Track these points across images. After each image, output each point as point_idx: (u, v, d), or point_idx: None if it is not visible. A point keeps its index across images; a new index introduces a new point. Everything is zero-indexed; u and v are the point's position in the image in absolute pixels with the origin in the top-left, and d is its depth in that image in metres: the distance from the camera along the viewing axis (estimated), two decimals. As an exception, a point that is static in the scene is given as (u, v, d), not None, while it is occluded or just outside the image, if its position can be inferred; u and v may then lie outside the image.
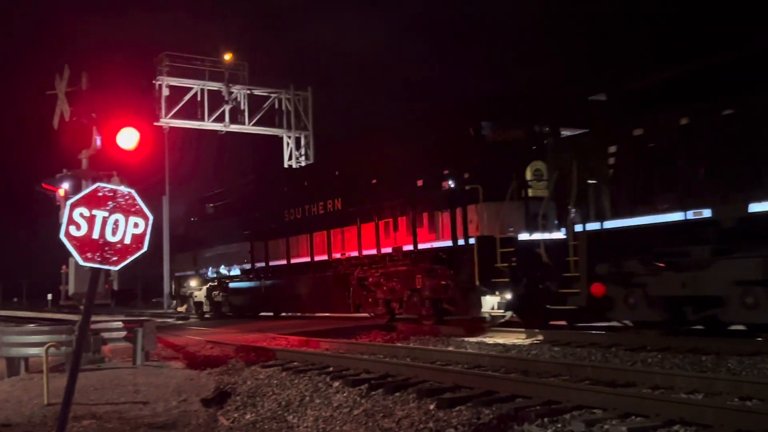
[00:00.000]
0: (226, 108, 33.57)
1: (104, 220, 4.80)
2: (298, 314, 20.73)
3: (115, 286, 10.95)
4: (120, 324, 10.90)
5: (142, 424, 7.71)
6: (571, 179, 11.29)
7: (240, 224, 21.63)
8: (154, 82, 32.13)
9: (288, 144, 35.93)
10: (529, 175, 12.98)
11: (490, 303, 13.55)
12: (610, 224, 10.77)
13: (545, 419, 5.79)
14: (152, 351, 11.56)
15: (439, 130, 15.22)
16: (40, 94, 10.53)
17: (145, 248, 4.94)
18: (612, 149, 10.94)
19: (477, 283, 12.87)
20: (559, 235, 12.08)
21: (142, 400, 8.66)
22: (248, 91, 34.53)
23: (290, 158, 35.75)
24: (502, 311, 13.57)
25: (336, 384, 8.33)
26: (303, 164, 34.59)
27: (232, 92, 33.70)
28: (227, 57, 34.21)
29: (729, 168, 9.50)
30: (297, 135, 35.84)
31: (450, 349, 11.22)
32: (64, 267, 10.83)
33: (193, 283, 25.33)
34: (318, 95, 36.62)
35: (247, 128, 34.92)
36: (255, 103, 34.91)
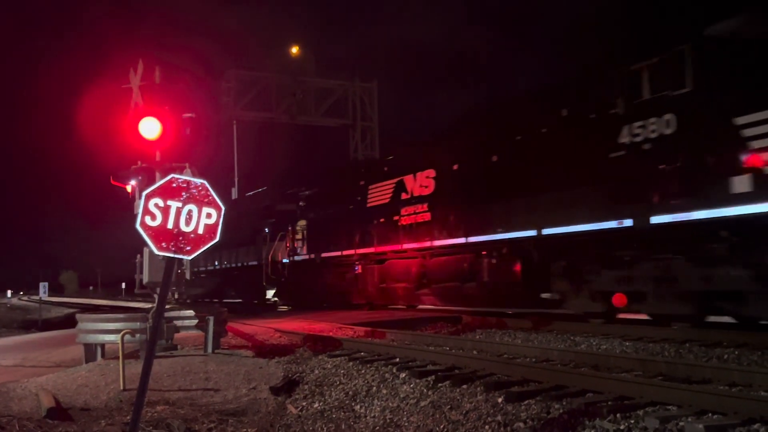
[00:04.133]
0: (294, 100, 33.95)
1: (178, 211, 4.89)
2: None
3: (188, 276, 11.21)
4: (192, 313, 11.16)
5: (213, 411, 7.89)
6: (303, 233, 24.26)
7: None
8: (222, 74, 32.74)
9: (353, 136, 36.11)
10: (298, 228, 24.43)
11: (270, 293, 28.10)
12: (300, 257, 24.24)
13: (617, 415, 5.66)
14: (222, 339, 11.82)
15: (260, 203, 30.34)
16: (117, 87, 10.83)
17: (217, 238, 5.01)
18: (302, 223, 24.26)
19: (264, 282, 26.74)
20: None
21: (213, 387, 8.86)
22: (315, 84, 34.83)
23: (355, 150, 35.93)
24: (274, 298, 27.74)
25: (402, 375, 8.32)
26: (367, 156, 34.75)
27: (299, 84, 34.05)
28: (294, 50, 34.60)
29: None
30: (363, 126, 35.98)
31: (517, 342, 11.10)
32: (138, 256, 11.15)
33: None
34: (383, 87, 36.71)
35: (314, 120, 35.25)
36: (321, 95, 35.20)
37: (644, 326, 11.58)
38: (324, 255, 22.05)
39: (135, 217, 4.87)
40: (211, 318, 11.00)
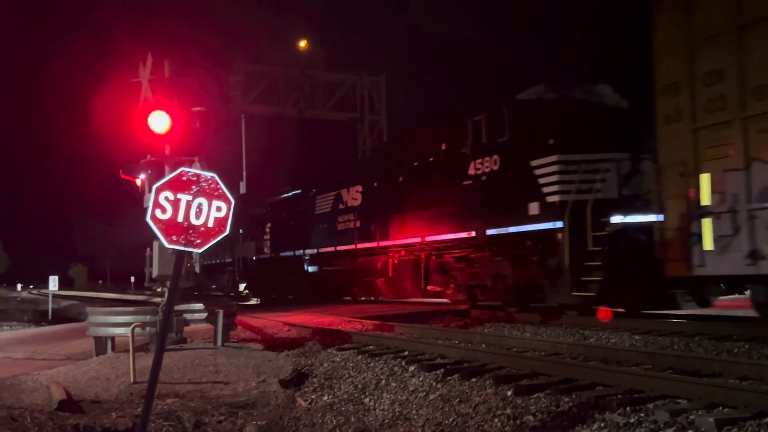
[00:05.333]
0: (302, 94, 33.94)
1: (188, 204, 4.90)
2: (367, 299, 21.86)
3: (197, 269, 11.24)
4: (201, 306, 11.19)
5: (223, 404, 7.92)
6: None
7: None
8: (230, 68, 32.75)
9: (362, 130, 36.09)
10: (267, 230, 26.86)
11: (242, 286, 30.10)
12: (265, 255, 27.40)
13: (627, 408, 5.64)
14: (232, 332, 11.86)
15: (239, 206, 26.29)
16: (125, 81, 10.85)
17: (227, 231, 5.02)
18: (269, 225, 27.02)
19: (237, 277, 30.38)
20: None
21: (222, 380, 8.90)
22: (323, 78, 34.81)
23: (364, 144, 35.92)
24: (246, 291, 29.65)
25: (411, 368, 8.33)
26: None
27: (307, 78, 34.04)
28: (302, 44, 34.58)
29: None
30: (371, 120, 35.96)
31: (526, 335, 11.11)
32: (148, 250, 11.19)
33: None
34: (391, 81, 36.65)
35: (322, 114, 35.24)
36: (329, 89, 35.17)
37: (654, 320, 11.56)
38: (281, 254, 25.52)
39: (145, 210, 4.89)
40: (221, 311, 11.04)
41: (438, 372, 7.92)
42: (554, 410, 6.00)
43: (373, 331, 12.31)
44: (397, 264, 18.19)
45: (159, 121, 9.79)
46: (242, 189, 37.06)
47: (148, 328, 10.31)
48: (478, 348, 9.34)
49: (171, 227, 4.84)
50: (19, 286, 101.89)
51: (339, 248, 21.06)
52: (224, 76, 30.35)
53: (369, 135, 36.03)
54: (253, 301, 27.48)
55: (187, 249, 4.92)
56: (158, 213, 4.81)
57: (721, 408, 5.48)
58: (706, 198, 9.88)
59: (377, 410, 7.42)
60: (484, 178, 14.58)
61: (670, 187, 10.51)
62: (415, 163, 17.26)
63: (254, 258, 28.10)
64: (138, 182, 11.50)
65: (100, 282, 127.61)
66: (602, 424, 5.46)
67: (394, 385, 7.97)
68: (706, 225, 9.86)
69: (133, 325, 9.62)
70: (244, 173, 38.17)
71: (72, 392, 8.16)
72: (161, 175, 9.95)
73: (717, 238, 9.76)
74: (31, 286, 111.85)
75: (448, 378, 7.66)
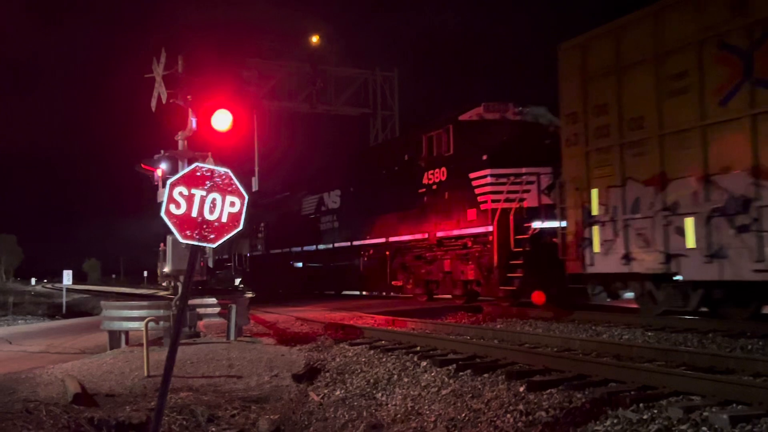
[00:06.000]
0: (314, 89, 33.93)
1: (202, 199, 4.92)
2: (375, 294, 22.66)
3: (210, 264, 11.28)
4: (214, 300, 11.24)
5: (236, 398, 7.96)
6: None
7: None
8: (244, 63, 32.77)
9: (374, 125, 36.05)
10: (261, 228, 28.12)
11: (238, 281, 31.09)
12: (258, 252, 29.21)
13: (640, 404, 5.64)
14: (245, 327, 11.91)
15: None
16: (139, 77, 10.88)
17: (240, 227, 5.04)
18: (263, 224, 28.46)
19: (233, 272, 31.27)
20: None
21: (236, 374, 8.94)
22: (335, 73, 34.78)
23: (376, 138, 35.87)
24: (241, 285, 30.30)
25: (424, 363, 8.35)
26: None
27: (319, 73, 34.02)
28: (315, 39, 34.55)
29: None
30: (384, 115, 35.91)
31: (539, 331, 11.08)
32: (162, 245, 11.25)
33: None
34: (403, 76, 36.55)
35: (334, 109, 35.20)
36: (342, 84, 35.12)
37: (667, 317, 11.51)
38: (272, 251, 27.58)
39: (159, 205, 4.90)
40: (234, 306, 11.09)
41: (450, 367, 7.93)
42: (567, 406, 5.99)
43: (385, 326, 12.32)
44: (367, 261, 20.66)
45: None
46: (254, 185, 37.12)
47: (161, 323, 10.37)
48: (491, 344, 9.33)
49: (185, 222, 4.86)
50: (33, 280, 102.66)
51: (320, 247, 23.27)
52: (239, 71, 30.59)
53: (381, 130, 35.99)
54: (249, 294, 29.08)
55: (201, 244, 4.94)
56: (172, 208, 4.83)
57: (735, 405, 5.46)
58: (595, 209, 11.88)
59: (389, 405, 7.44)
60: (434, 187, 16.85)
61: (570, 198, 12.48)
62: (384, 172, 19.44)
63: (248, 255, 30.07)
64: (159, 172, 11.51)
65: (114, 276, 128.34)
66: (615, 421, 5.45)
67: (406, 380, 7.98)
68: (595, 231, 11.88)
69: (147, 319, 9.67)
70: (257, 169, 38.21)
71: (86, 386, 8.21)
72: (175, 171, 9.99)
73: (603, 242, 11.73)
74: (45, 280, 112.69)
75: (461, 373, 7.67)
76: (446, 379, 7.62)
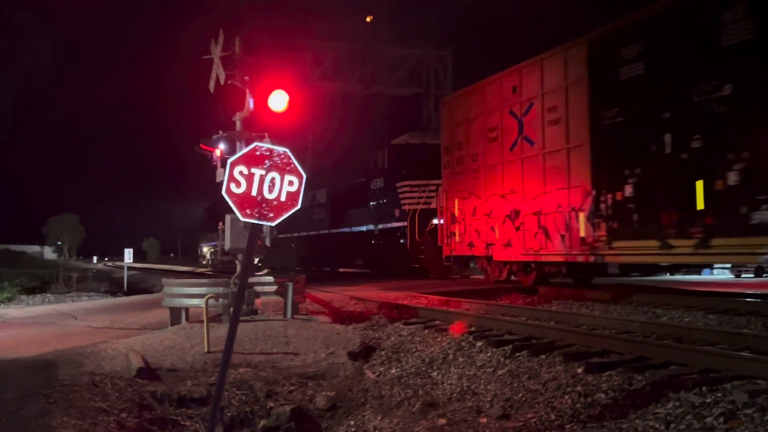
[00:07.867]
0: (367, 69, 33.89)
1: (261, 178, 4.96)
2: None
3: (268, 243, 11.43)
4: (271, 279, 11.40)
5: (293, 374, 8.08)
6: None
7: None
8: (299, 44, 32.89)
9: (427, 105, 35.85)
10: None
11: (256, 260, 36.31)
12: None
13: (703, 388, 5.52)
14: (300, 305, 12.05)
15: None
16: (198, 59, 11.01)
17: (299, 206, 5.08)
18: None
19: (267, 246, 36.11)
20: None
21: (292, 351, 9.07)
22: (388, 52, 34.64)
23: (428, 119, 35.69)
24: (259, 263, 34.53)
25: (479, 344, 8.33)
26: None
27: (372, 53, 33.95)
28: (368, 18, 34.46)
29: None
30: (437, 95, 35.67)
31: (596, 313, 10.94)
32: (220, 224, 11.43)
33: None
34: (458, 55, 36.19)
35: (387, 89, 35.10)
36: (395, 64, 34.98)
37: (730, 299, 11.24)
38: (279, 236, 32.31)
39: (218, 185, 4.97)
40: (290, 284, 11.22)
41: (506, 348, 7.90)
42: (627, 388, 5.91)
43: (439, 306, 12.32)
44: (341, 245, 28.23)
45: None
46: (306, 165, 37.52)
47: (221, 300, 10.57)
48: (547, 325, 9.24)
49: (245, 201, 4.92)
50: (94, 258, 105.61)
51: (311, 233, 31.39)
52: (297, 52, 30.95)
53: (435, 111, 35.77)
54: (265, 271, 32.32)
55: (260, 222, 5.00)
56: (233, 187, 4.89)
57: (802, 390, 5.32)
58: (457, 212, 17.72)
59: (445, 384, 7.45)
60: (378, 191, 24.21)
61: (444, 203, 18.44)
62: (353, 177, 26.91)
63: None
64: (218, 152, 11.67)
65: (172, 255, 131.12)
66: (677, 404, 5.34)
67: (461, 359, 7.98)
68: (456, 227, 17.79)
69: (207, 296, 9.87)
70: (310, 149, 38.44)
71: (149, 360, 8.44)
72: (233, 151, 10.11)
73: (459, 234, 17.60)
74: (106, 259, 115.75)
75: (517, 354, 7.63)
76: (502, 360, 7.59)
